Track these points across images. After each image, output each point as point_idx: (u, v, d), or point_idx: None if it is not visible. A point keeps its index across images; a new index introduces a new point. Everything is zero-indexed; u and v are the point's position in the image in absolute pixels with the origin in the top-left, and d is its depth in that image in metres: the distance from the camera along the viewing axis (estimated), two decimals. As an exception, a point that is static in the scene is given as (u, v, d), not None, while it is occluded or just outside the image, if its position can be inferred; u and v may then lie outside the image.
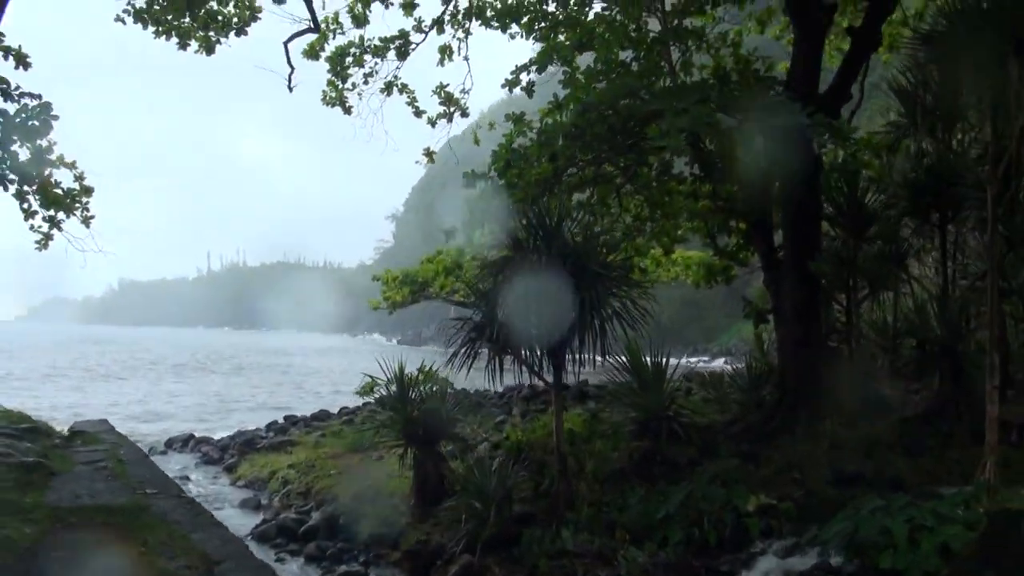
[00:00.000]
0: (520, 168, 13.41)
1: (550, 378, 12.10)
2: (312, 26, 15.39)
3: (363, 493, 14.08)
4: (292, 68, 15.98)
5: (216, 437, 23.40)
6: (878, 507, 8.43)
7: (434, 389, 13.85)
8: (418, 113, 17.35)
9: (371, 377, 14.64)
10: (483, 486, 11.52)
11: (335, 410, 25.93)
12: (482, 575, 10.71)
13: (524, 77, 16.06)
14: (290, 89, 16.06)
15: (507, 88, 16.12)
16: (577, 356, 11.43)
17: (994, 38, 8.27)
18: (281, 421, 25.03)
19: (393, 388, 13.82)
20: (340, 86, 16.63)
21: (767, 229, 14.16)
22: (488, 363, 11.93)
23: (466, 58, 17.36)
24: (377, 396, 14.57)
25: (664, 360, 13.31)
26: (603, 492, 11.93)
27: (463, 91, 17.45)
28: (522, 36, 17.20)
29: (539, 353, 11.76)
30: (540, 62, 16.93)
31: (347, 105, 16.87)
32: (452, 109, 17.58)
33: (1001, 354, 13.60)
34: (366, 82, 16.72)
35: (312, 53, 16.13)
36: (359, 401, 27.00)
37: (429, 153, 17.74)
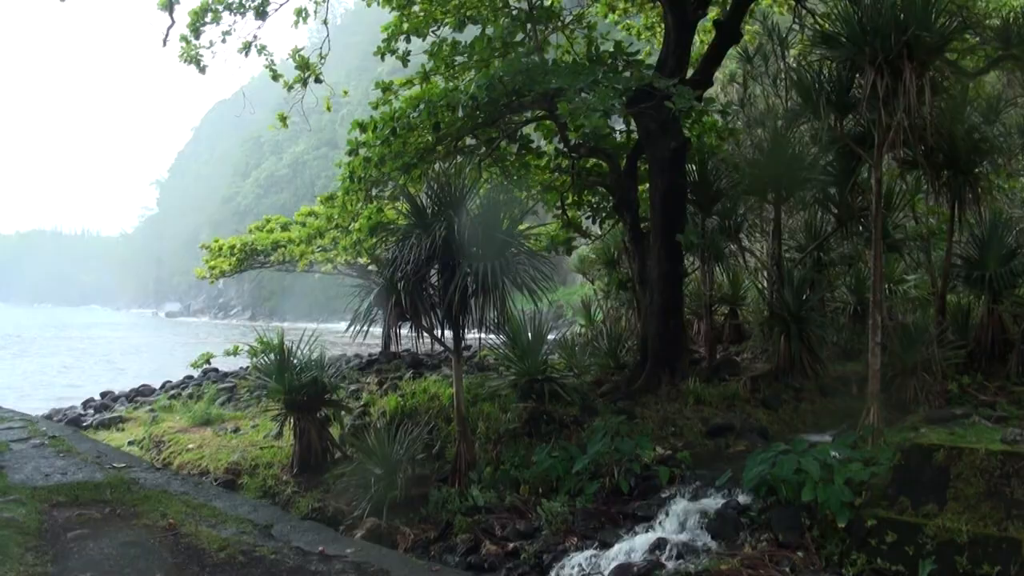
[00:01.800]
0: (404, 137, 13.55)
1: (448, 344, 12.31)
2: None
3: (237, 465, 13.70)
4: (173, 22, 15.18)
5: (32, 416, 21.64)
6: (783, 451, 9.41)
7: (313, 357, 13.72)
8: (275, 76, 16.85)
9: (250, 345, 14.29)
10: (385, 451, 11.63)
11: (156, 384, 24.66)
12: (391, 536, 10.86)
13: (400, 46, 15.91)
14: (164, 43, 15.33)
15: (380, 56, 15.97)
16: (480, 320, 11.73)
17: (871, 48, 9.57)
18: (98, 398, 23.52)
19: (273, 356, 13.55)
20: (195, 43, 15.83)
21: (633, 203, 15.02)
22: (385, 329, 11.98)
23: (324, 22, 17.01)
24: (251, 364, 14.22)
25: (544, 328, 13.90)
26: (497, 452, 12.37)
27: (320, 56, 17.10)
28: (378, 4, 17.16)
29: (439, 319, 11.94)
30: (393, 32, 17.04)
31: (202, 65, 16.10)
32: (308, 74, 17.19)
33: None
34: (224, 40, 16.02)
35: (166, 5, 15.27)
36: (179, 376, 26.09)
37: (283, 118, 17.25)
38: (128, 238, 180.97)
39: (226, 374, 24.91)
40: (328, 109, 18.03)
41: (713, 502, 9.91)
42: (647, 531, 9.77)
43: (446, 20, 17.05)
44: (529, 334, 13.68)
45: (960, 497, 7.43)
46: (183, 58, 15.82)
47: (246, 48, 16.37)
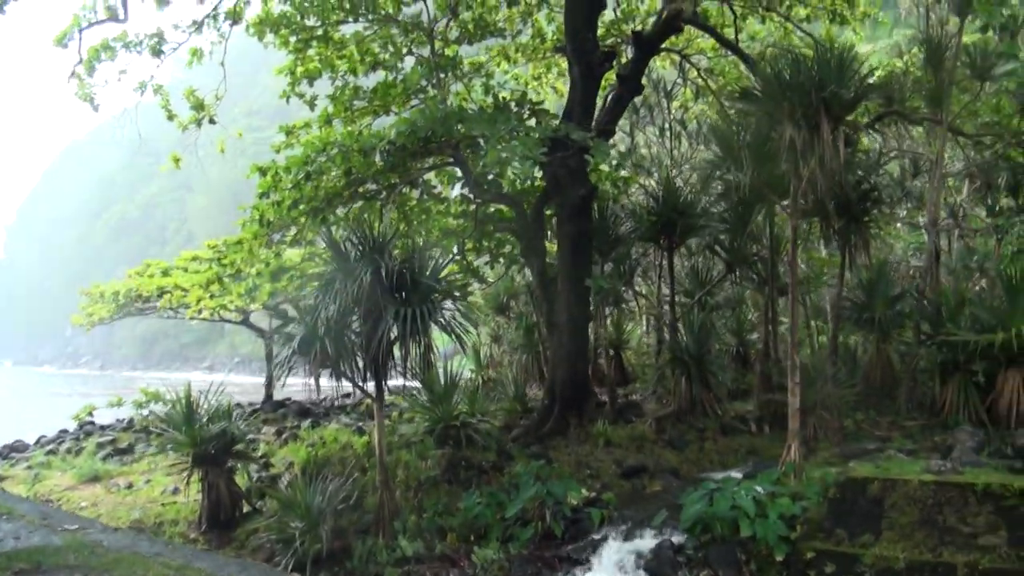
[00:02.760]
0: (317, 182, 13.44)
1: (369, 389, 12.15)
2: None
3: (140, 523, 13.03)
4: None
5: None
6: (715, 489, 9.73)
7: (219, 407, 13.25)
8: (170, 116, 16.40)
9: (143, 393, 13.71)
10: (304, 502, 11.29)
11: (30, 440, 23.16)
12: (321, 593, 10.57)
13: (304, 88, 15.81)
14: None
15: (285, 99, 15.81)
16: (404, 366, 11.65)
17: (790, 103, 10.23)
18: (-43, 456, 21.82)
19: (179, 407, 13.03)
20: (89, 80, 15.25)
21: (541, 249, 15.28)
22: (308, 376, 11.73)
23: (222, 64, 16.67)
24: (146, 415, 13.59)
25: (454, 374, 13.89)
26: (418, 499, 12.24)
27: (217, 97, 16.75)
28: (275, 46, 17.01)
29: (361, 366, 11.78)
30: (290, 76, 16.96)
31: (95, 103, 15.54)
32: (202, 115, 16.80)
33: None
34: (119, 79, 15.54)
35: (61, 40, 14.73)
36: (52, 431, 24.59)
37: (176, 159, 16.75)
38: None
39: (104, 427, 23.66)
40: (222, 151, 17.57)
41: (646, 543, 10.12)
42: (586, 574, 9.89)
43: (342, 66, 17.07)
44: (442, 380, 13.62)
45: (895, 526, 7.90)
46: (79, 95, 15.22)
47: (142, 87, 15.90)
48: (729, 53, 18.64)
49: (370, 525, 11.75)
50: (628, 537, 10.34)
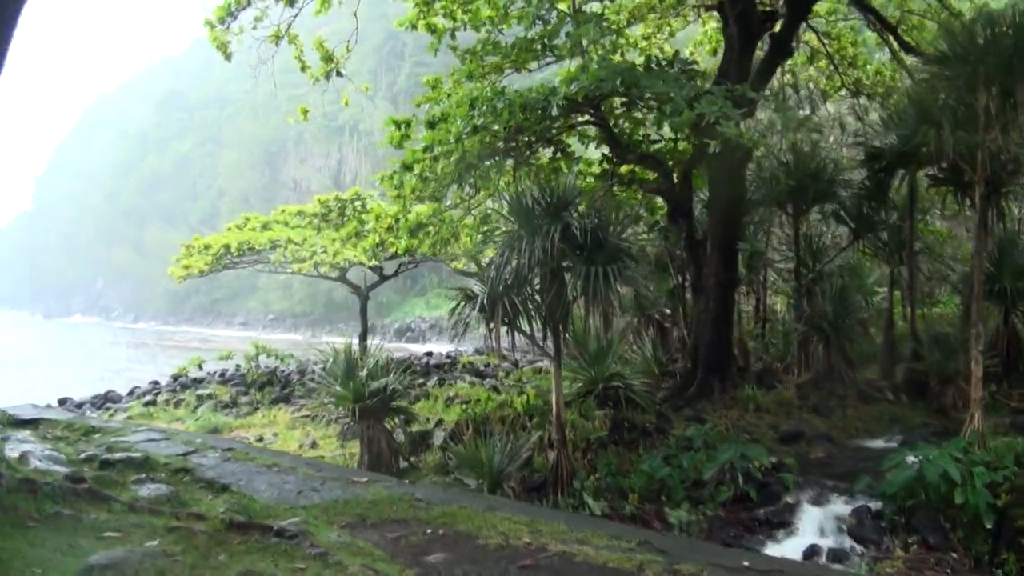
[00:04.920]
0: (483, 135, 13.31)
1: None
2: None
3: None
4: None
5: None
6: (922, 457, 9.64)
7: (378, 363, 13.25)
8: (303, 68, 16.20)
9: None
10: (486, 459, 11.27)
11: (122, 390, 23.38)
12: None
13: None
14: None
15: (434, 52, 15.64)
16: (585, 325, 11.57)
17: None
18: (55, 405, 22.01)
19: (339, 362, 13.04)
20: (223, 29, 15.06)
21: (689, 211, 15.13)
22: (487, 334, 11.69)
23: (355, 14, 16.45)
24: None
25: (608, 336, 13.83)
26: (587, 459, 12.21)
27: (348, 48, 16.54)
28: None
29: (540, 324, 11.69)
30: (407, 24, 16.74)
31: (228, 52, 15.36)
32: (332, 66, 16.60)
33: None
34: (255, 27, 15.33)
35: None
36: (143, 381, 24.82)
37: (304, 111, 16.61)
38: None
39: (197, 380, 23.85)
40: (346, 103, 17.43)
41: (838, 507, 10.13)
42: (789, 537, 9.88)
43: (467, 19, 16.78)
44: (596, 341, 13.56)
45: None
46: (212, 43, 15.05)
47: (277, 37, 15.70)
48: (848, 16, 18.38)
49: (542, 484, 11.74)
50: (817, 502, 10.36)
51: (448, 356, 28.06)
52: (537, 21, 15.93)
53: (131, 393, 23.03)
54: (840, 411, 14.54)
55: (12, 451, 6.79)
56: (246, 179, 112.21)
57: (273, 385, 22.24)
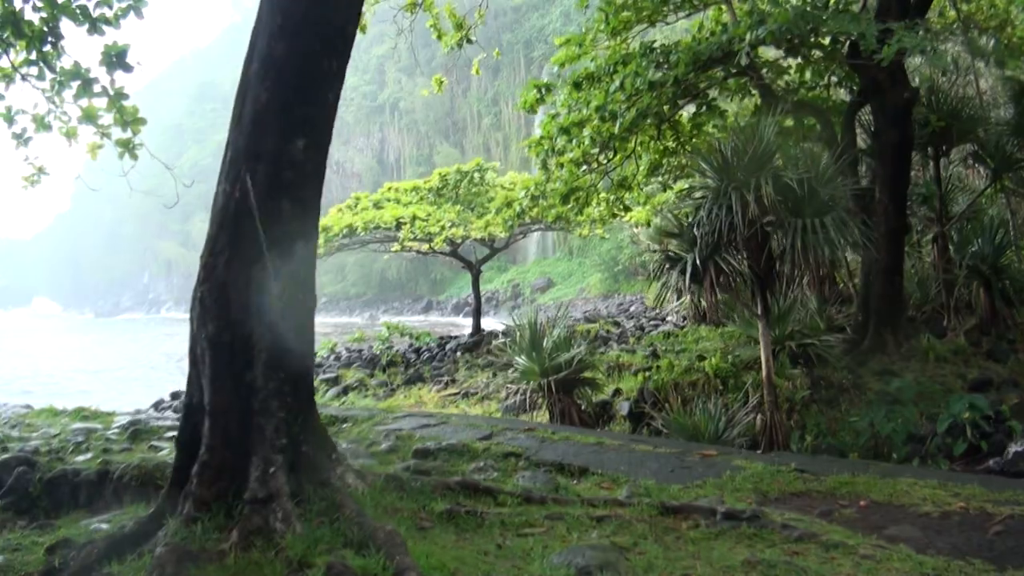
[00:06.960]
0: (660, 91, 13.15)
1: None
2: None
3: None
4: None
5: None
6: None
7: (563, 336, 13.11)
8: (439, 36, 16.00)
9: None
10: (704, 425, 11.11)
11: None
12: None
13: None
14: None
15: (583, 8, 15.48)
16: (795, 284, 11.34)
17: None
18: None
19: (525, 336, 12.95)
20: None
21: (855, 159, 14.78)
22: (690, 299, 11.52)
23: (482, -16, 16.18)
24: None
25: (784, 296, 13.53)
26: (793, 420, 12.04)
27: (479, 15, 16.29)
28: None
29: (749, 285, 11.45)
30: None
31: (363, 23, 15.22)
32: (464, 33, 16.36)
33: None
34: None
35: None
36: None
37: (439, 81, 16.40)
38: (39, 238, 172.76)
39: (317, 364, 23.84)
40: (477, 72, 17.22)
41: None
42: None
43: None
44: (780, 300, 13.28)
45: None
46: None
47: (412, 6, 15.49)
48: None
49: (752, 446, 11.57)
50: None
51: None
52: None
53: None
54: (1014, 355, 14.23)
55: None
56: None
57: (396, 365, 22.15)
